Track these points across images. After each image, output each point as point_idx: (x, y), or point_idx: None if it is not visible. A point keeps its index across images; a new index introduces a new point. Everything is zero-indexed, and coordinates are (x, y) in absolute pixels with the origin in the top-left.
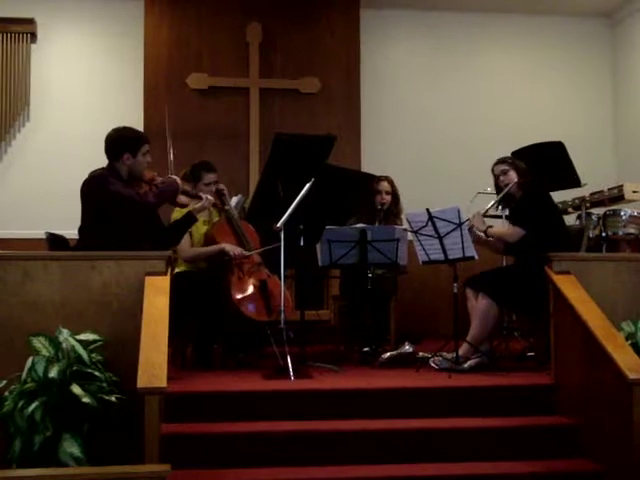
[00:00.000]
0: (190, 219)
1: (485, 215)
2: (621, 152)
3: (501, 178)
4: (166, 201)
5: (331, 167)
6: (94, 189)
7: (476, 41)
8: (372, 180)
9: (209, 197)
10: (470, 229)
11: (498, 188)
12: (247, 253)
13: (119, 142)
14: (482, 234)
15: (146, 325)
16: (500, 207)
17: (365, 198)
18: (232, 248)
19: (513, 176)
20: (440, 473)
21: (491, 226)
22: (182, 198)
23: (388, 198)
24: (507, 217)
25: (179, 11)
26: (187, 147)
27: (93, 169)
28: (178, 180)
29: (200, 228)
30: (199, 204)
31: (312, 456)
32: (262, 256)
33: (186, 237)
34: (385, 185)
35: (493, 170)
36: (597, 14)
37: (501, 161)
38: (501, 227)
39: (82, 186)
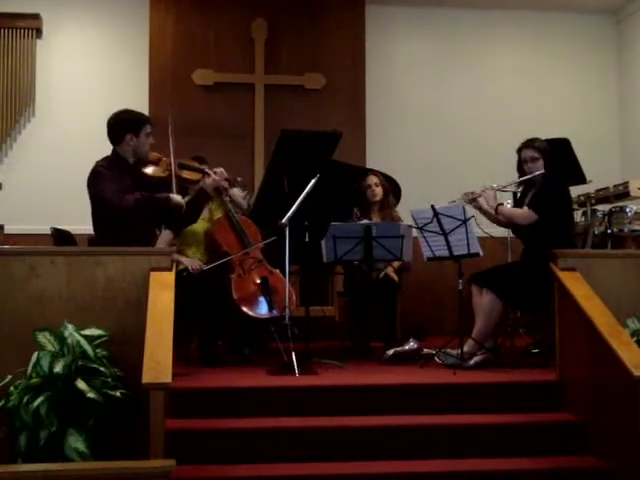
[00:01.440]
0: (203, 195)
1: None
2: (626, 149)
3: (529, 164)
4: (149, 211)
5: (336, 163)
6: (90, 184)
7: (481, 38)
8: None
9: (219, 170)
10: (474, 199)
11: (521, 170)
12: (206, 267)
13: (121, 123)
14: (492, 210)
15: (151, 321)
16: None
17: (361, 193)
18: (190, 263)
19: (541, 166)
20: (444, 469)
21: (502, 204)
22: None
23: (379, 190)
24: (519, 197)
25: (184, 7)
26: (192, 143)
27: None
28: (176, 199)
29: (200, 226)
30: (209, 179)
31: (316, 452)
32: (264, 252)
33: (169, 232)
34: (373, 178)
35: (521, 152)
36: (603, 11)
37: (531, 146)
38: (511, 208)
39: (87, 177)
